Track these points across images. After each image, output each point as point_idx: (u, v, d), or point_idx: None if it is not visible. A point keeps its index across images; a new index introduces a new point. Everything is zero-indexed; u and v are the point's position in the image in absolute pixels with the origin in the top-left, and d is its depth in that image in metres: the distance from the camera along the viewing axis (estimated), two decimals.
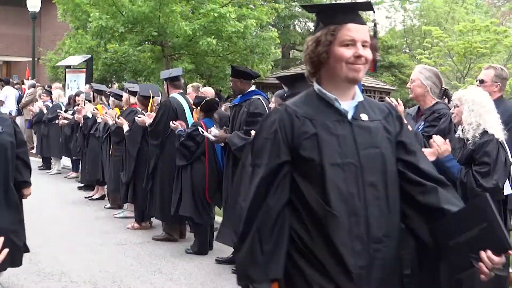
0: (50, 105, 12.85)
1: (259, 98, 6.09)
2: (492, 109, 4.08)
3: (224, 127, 6.53)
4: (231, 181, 6.13)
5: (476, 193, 3.88)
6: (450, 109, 4.38)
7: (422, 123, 4.39)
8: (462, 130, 4.15)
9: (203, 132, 6.31)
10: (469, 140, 4.01)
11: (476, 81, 5.09)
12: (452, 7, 28.77)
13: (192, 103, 7.20)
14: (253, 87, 6.31)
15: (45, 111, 12.69)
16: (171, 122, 6.81)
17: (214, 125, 6.52)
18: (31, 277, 5.66)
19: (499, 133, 4.05)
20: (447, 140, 4.08)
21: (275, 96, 5.77)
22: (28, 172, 4.91)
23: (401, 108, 4.40)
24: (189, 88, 8.26)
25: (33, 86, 16.22)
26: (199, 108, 6.72)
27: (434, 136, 4.10)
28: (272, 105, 5.76)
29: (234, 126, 6.17)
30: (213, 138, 6.24)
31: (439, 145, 4.02)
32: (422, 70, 4.50)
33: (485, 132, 4.00)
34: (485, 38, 17.65)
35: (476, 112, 4.02)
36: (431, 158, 4.07)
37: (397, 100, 4.49)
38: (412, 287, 4.39)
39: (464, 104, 4.06)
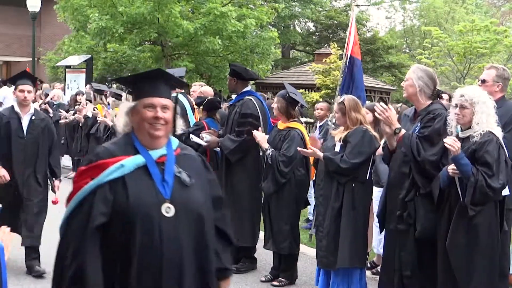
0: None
1: (251, 99, 6.08)
2: (493, 110, 4.11)
3: (212, 129, 6.48)
4: (225, 182, 6.12)
5: (485, 192, 3.89)
6: (446, 110, 4.37)
7: (419, 124, 4.39)
8: (462, 129, 4.16)
9: (192, 139, 6.27)
10: (474, 137, 4.03)
11: (478, 81, 5.06)
12: (452, 7, 28.80)
13: (194, 103, 7.20)
14: (248, 87, 6.30)
15: (50, 110, 12.67)
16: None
17: (217, 126, 6.50)
18: (31, 277, 5.65)
19: (499, 133, 4.07)
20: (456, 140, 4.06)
21: (278, 96, 5.75)
22: (229, 252, 2.85)
23: (393, 112, 4.40)
24: (195, 87, 8.25)
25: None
26: (201, 107, 6.72)
27: (447, 138, 4.04)
28: (274, 105, 5.74)
29: (227, 126, 6.17)
30: (205, 144, 6.23)
31: (452, 144, 3.98)
32: (416, 69, 4.48)
33: (488, 131, 4.02)
34: (485, 38, 17.64)
35: (486, 112, 4.05)
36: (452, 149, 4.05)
37: (387, 105, 4.48)
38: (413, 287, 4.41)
39: (476, 106, 4.06)
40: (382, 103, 4.50)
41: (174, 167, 2.56)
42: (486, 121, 4.04)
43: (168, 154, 2.57)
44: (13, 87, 17.89)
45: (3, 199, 5.27)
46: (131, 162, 2.49)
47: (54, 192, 5.75)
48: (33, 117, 5.71)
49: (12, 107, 5.76)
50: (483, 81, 4.93)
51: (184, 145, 2.77)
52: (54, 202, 5.56)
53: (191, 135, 6.35)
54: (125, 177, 2.46)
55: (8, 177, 5.45)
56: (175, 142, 2.66)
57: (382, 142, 5.00)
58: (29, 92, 5.63)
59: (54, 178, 5.81)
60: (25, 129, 5.65)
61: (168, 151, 2.59)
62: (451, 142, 3.98)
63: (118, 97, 9.05)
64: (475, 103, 4.06)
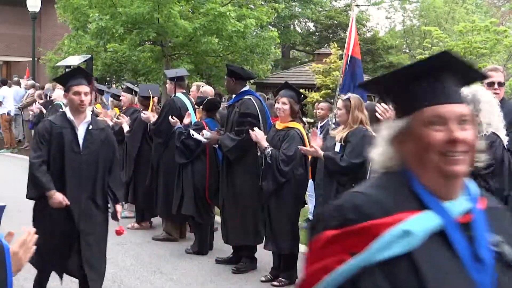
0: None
1: (250, 98, 6.08)
2: (497, 110, 4.06)
3: (217, 128, 6.54)
4: (226, 181, 6.13)
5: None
6: None
7: None
8: None
9: (193, 135, 6.30)
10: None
11: (493, 84, 4.88)
12: (452, 7, 28.77)
13: (194, 102, 7.22)
14: (247, 87, 6.30)
15: (44, 111, 12.67)
16: (169, 118, 6.82)
17: (217, 126, 6.53)
18: (31, 277, 5.64)
19: (502, 135, 4.04)
20: None
21: (286, 96, 5.62)
22: None
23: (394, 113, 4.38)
24: (193, 87, 8.27)
25: (33, 86, 16.21)
26: (201, 107, 6.74)
27: None
28: (285, 106, 5.61)
29: (227, 126, 6.19)
30: (205, 141, 6.26)
31: None
32: None
33: (492, 133, 3.99)
34: (485, 38, 17.63)
35: (489, 112, 4.01)
36: None
37: (387, 105, 4.47)
38: None
39: (479, 104, 4.04)
40: (383, 104, 4.49)
41: (490, 234, 1.45)
42: (488, 122, 4.00)
43: (473, 210, 1.47)
44: (14, 86, 17.71)
45: (56, 233, 4.41)
46: (421, 225, 1.38)
47: (116, 219, 4.71)
48: (90, 127, 4.49)
49: (64, 114, 4.53)
50: (501, 84, 4.85)
51: (486, 193, 1.58)
52: (119, 233, 4.71)
53: (191, 132, 6.37)
54: (412, 254, 1.36)
55: (67, 201, 4.38)
56: (473, 186, 1.54)
57: None
58: (86, 94, 4.43)
59: (115, 203, 4.66)
60: (81, 142, 4.44)
61: (473, 204, 1.48)
62: None
63: (116, 97, 9.06)
64: (478, 101, 4.04)
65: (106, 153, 4.54)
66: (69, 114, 4.48)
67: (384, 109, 4.36)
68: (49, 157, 4.41)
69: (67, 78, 4.58)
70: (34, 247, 2.14)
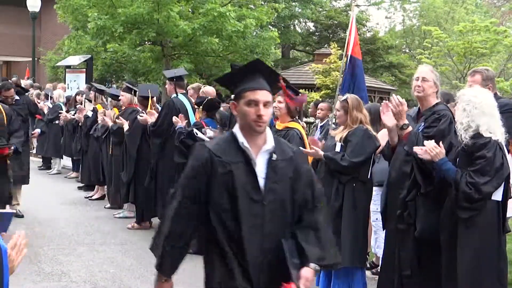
0: (50, 105, 12.86)
1: None
2: (490, 112, 4.01)
3: (219, 126, 6.56)
4: None
5: (470, 196, 3.87)
6: (450, 110, 4.38)
7: (422, 123, 4.39)
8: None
9: (197, 134, 6.32)
10: (462, 141, 4.01)
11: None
12: (452, 7, 28.79)
13: (194, 102, 7.23)
14: None
15: (45, 111, 12.69)
16: (173, 117, 6.84)
17: (216, 126, 6.54)
18: (31, 277, 5.65)
19: (498, 136, 4.00)
20: (440, 143, 4.07)
21: (282, 95, 5.66)
22: None
23: (405, 107, 4.38)
24: (190, 90, 8.27)
25: (31, 86, 16.22)
26: (201, 107, 6.75)
27: (425, 142, 4.10)
28: (281, 105, 5.62)
29: (231, 126, 6.21)
30: (208, 140, 6.28)
31: (430, 149, 4.02)
32: (433, 70, 4.54)
33: (478, 134, 3.97)
34: (485, 38, 17.64)
35: (468, 112, 3.99)
36: (426, 157, 4.07)
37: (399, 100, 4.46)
38: (412, 287, 4.40)
39: (459, 103, 4.05)
40: (398, 96, 4.46)
41: None
42: (467, 123, 3.97)
43: None
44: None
45: None
46: None
47: None
48: (274, 157, 2.77)
49: (233, 137, 2.79)
50: None
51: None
52: None
53: (195, 131, 6.39)
54: None
55: None
56: None
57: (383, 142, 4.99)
58: (266, 105, 2.72)
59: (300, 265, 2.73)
60: (261, 183, 2.74)
61: None
62: (430, 147, 3.99)
63: (115, 98, 9.07)
64: (460, 100, 4.06)
65: (299, 195, 2.82)
66: (241, 139, 2.76)
67: (398, 102, 4.32)
68: (212, 205, 2.83)
69: (238, 78, 2.81)
70: (26, 250, 2.12)
